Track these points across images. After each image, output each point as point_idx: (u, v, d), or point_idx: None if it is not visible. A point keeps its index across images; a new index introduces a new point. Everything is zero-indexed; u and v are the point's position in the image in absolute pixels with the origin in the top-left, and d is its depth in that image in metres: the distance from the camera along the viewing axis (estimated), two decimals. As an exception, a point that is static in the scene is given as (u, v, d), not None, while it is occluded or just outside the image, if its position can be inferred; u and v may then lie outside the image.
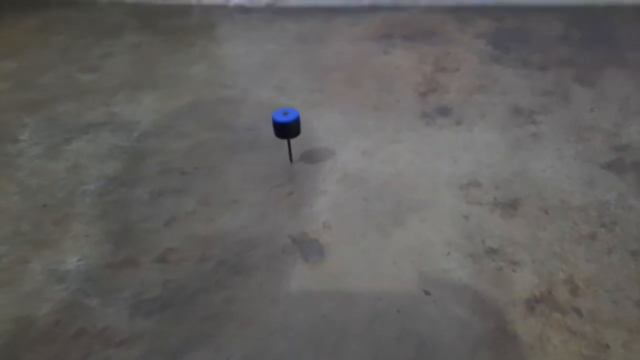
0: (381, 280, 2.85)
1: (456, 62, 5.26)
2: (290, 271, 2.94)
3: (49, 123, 4.49)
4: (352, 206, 3.41)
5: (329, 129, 4.23)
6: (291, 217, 3.33)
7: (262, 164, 3.85)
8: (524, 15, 6.33)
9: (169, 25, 6.66)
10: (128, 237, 3.26)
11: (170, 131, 4.30)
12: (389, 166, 3.76)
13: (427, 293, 2.74)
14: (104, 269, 3.03)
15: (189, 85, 5.05)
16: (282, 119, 3.23)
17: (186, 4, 7.42)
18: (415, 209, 3.36)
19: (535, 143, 3.92)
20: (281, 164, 3.81)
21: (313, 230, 3.22)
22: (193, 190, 3.62)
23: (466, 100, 4.54)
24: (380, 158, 3.86)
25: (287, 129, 3.24)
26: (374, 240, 3.13)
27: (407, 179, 3.62)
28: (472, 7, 6.72)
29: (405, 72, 5.10)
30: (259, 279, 2.90)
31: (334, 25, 6.45)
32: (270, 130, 3.76)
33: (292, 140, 3.59)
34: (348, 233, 3.19)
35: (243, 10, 7.14)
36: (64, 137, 4.26)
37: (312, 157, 3.90)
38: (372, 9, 6.91)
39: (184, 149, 4.07)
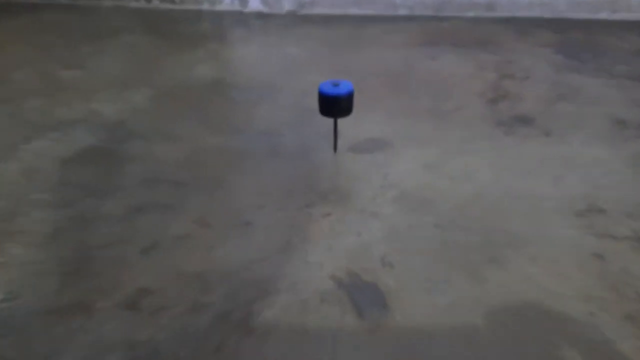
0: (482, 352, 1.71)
1: (523, 70, 4.27)
2: (334, 334, 1.80)
3: (10, 119, 3.47)
4: (420, 236, 2.30)
5: (372, 135, 3.18)
6: (331, 248, 2.22)
7: (285, 175, 2.78)
8: (586, 29, 5.41)
9: (173, 30, 5.77)
10: (84, 268, 2.15)
11: (162, 133, 3.25)
12: (465, 184, 2.68)
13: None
14: (41, 317, 1.91)
15: (191, 86, 4.06)
16: (330, 90, 2.58)
17: (196, 9, 6.60)
18: (516, 243, 2.24)
19: (661, 161, 2.85)
20: (310, 177, 2.74)
21: (367, 269, 2.10)
22: (187, 207, 2.53)
23: (549, 110, 3.51)
24: (449, 172, 2.78)
25: (335, 104, 2.61)
26: (461, 287, 2.00)
27: (494, 202, 2.53)
28: (526, 19, 5.84)
29: (463, 79, 4.11)
30: (282, 348, 1.76)
31: (367, 33, 5.54)
32: (294, 137, 2.74)
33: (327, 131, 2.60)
34: (420, 275, 2.07)
35: (261, 16, 6.28)
36: (24, 135, 3.21)
37: (354, 168, 2.83)
38: (410, 18, 6.03)
39: (179, 155, 3.01)
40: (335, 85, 2.59)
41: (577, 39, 5.09)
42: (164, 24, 5.97)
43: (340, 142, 3.01)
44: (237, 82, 4.13)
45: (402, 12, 6.21)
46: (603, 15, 5.85)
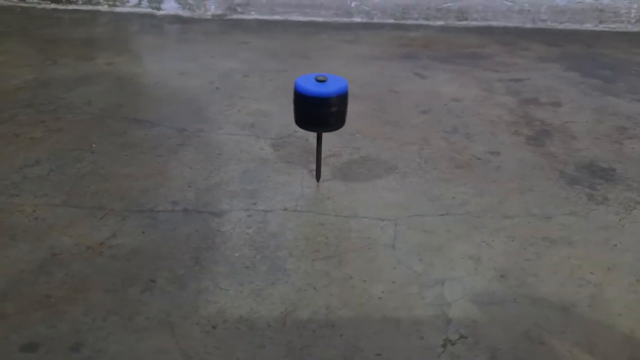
0: None
1: (543, 92, 3.17)
2: None
3: None
4: None
5: (382, 209, 1.84)
6: None
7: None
8: (577, 41, 4.51)
9: (55, 35, 4.08)
10: None
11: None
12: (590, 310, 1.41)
13: None
14: None
15: (68, 116, 2.48)
16: (314, 89, 1.71)
17: (89, 10, 4.90)
18: None
19: None
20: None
21: None
22: None
23: (622, 152, 2.38)
24: (551, 294, 1.50)
25: (321, 111, 1.75)
26: None
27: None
28: (503, 28, 4.86)
29: (474, 105, 2.91)
30: None
31: (319, 42, 4.23)
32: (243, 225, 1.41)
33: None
34: None
35: (179, 20, 4.73)
36: None
37: (364, 274, 1.46)
38: (368, 26, 4.81)
39: None
40: (321, 81, 1.73)
41: (576, 53, 4.14)
42: (44, 27, 4.25)
43: (333, 222, 1.64)
44: (143, 113, 2.61)
45: (358, 19, 4.98)
46: (588, 26, 5.01)
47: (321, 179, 2.03)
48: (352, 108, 2.79)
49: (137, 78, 3.13)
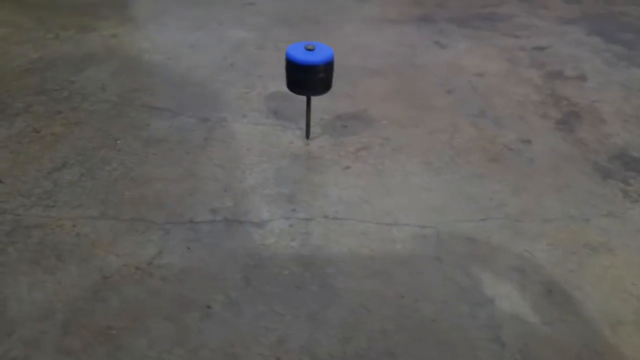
0: None
1: (567, 63, 3.09)
2: None
3: None
4: None
5: (422, 214, 1.84)
6: None
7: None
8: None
9: (44, -5, 3.83)
10: None
11: None
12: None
13: None
14: None
15: (86, 107, 2.39)
16: (302, 57, 1.95)
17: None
18: None
19: None
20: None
21: None
22: None
23: (651, 137, 2.37)
24: (597, 310, 1.54)
25: (309, 76, 1.99)
26: None
27: None
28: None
29: (499, 82, 2.83)
30: None
31: (329, 1, 4.02)
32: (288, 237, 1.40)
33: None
34: None
35: (175, -24, 4.46)
36: None
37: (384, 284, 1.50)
38: (379, -20, 4.57)
39: None
40: (309, 49, 1.95)
41: (597, 12, 3.99)
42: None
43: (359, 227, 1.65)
44: (161, 99, 2.51)
45: (367, -30, 4.71)
46: (606, -24, 4.79)
47: (358, 179, 2.01)
48: (375, 86, 2.74)
49: (146, 54, 2.98)
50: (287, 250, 1.68)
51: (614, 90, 2.79)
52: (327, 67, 1.98)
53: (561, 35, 3.50)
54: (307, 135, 2.26)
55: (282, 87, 2.68)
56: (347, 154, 2.18)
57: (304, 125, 2.33)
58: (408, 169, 2.09)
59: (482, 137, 2.32)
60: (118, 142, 2.19)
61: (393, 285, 1.57)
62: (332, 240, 1.74)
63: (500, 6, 4.05)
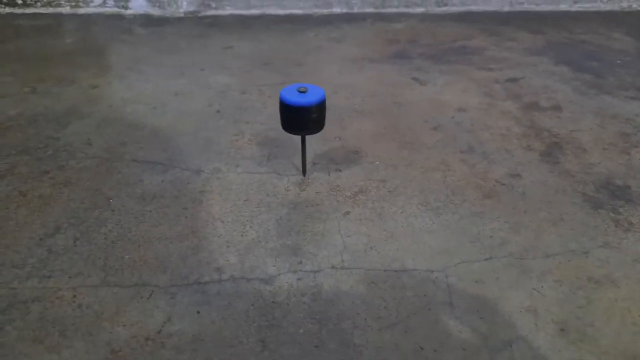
0: None
1: (542, 94, 3.22)
2: None
3: None
4: None
5: (428, 258, 1.85)
6: None
7: None
8: (557, 25, 4.58)
9: (19, 48, 3.77)
10: None
11: None
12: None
13: None
14: None
15: (73, 165, 2.32)
16: (295, 99, 2.04)
17: (51, 13, 4.52)
18: None
19: None
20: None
21: None
22: None
23: (632, 165, 2.48)
24: (612, 346, 1.57)
25: (303, 117, 2.07)
26: None
27: None
28: (482, 14, 4.86)
29: (480, 115, 2.92)
30: None
31: (306, 41, 4.10)
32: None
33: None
34: None
35: (150, 21, 4.45)
36: None
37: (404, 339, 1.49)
38: (349, 18, 4.69)
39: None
40: (302, 92, 2.05)
41: (560, 41, 4.21)
42: (6, 40, 3.89)
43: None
44: (151, 152, 2.47)
45: (338, 9, 4.84)
46: (564, 6, 5.08)
47: (360, 225, 2.02)
48: (363, 126, 2.78)
49: (130, 105, 2.95)
50: (300, 307, 1.66)
51: (589, 118, 2.92)
52: (320, 107, 2.07)
53: (531, 66, 3.66)
54: (304, 173, 2.32)
55: (271, 132, 2.71)
56: (344, 198, 2.19)
57: (298, 172, 2.34)
58: (408, 211, 2.11)
59: (473, 174, 2.37)
60: (111, 200, 2.13)
61: (411, 336, 1.56)
62: (343, 292, 1.72)
63: (470, 40, 4.22)
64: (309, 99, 2.02)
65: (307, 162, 2.32)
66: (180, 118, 2.82)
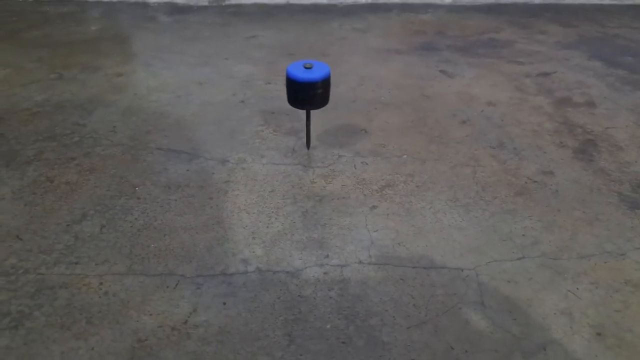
0: None
1: (574, 89, 3.12)
2: None
3: None
4: None
5: (458, 255, 1.80)
6: None
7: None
8: (588, 18, 4.44)
9: (44, 35, 3.78)
10: None
11: None
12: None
13: None
14: None
15: (99, 152, 2.32)
16: (301, 75, 2.09)
17: (78, 0, 4.53)
18: None
19: None
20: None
21: None
22: None
23: (668, 164, 2.38)
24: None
25: (308, 92, 2.11)
26: None
27: None
28: (512, 5, 4.74)
29: (512, 111, 2.84)
30: None
31: (330, 31, 4.04)
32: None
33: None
34: None
35: (174, 9, 4.44)
36: None
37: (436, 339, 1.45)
38: (374, 7, 4.62)
39: None
40: (308, 68, 2.11)
41: (593, 35, 4.08)
42: (33, 27, 3.91)
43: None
44: (175, 141, 2.46)
45: (363, -1, 4.77)
46: (596, -1, 4.93)
47: (387, 220, 1.98)
48: (389, 119, 2.73)
49: (154, 93, 2.94)
50: (327, 302, 1.63)
51: (624, 115, 2.82)
52: (325, 83, 2.13)
53: (563, 61, 3.56)
54: (308, 146, 2.40)
55: (296, 124, 2.67)
56: (371, 192, 2.15)
57: (323, 164, 2.30)
58: (436, 207, 2.06)
59: (504, 170, 2.31)
60: (137, 188, 2.12)
61: (441, 335, 1.52)
62: (370, 288, 1.69)
63: (499, 32, 4.11)
64: (315, 74, 2.08)
65: (331, 156, 2.28)
66: (204, 107, 2.80)
